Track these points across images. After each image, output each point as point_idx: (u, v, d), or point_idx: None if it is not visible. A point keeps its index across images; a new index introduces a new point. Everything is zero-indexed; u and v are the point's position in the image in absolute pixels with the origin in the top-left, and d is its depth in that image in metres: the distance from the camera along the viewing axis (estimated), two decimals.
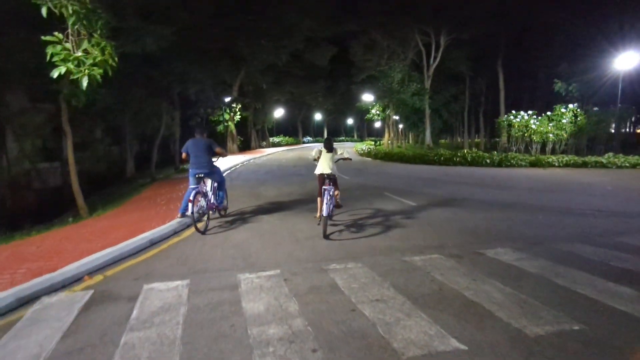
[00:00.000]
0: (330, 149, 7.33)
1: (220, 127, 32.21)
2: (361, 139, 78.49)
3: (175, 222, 7.14)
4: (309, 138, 67.61)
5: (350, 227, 7.14)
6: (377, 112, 33.80)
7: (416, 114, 35.68)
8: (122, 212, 8.67)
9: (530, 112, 25.42)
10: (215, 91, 25.53)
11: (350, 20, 37.86)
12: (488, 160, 19.88)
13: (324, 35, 41.82)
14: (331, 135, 72.88)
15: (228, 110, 32.03)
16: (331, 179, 7.10)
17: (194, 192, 6.79)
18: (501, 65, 35.62)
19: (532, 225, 7.21)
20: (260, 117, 42.56)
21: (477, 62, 39.15)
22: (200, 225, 7.10)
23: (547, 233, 6.60)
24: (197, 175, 7.25)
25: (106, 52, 5.98)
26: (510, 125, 25.92)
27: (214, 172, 7.62)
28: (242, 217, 8.28)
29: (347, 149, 46.01)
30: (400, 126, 44.81)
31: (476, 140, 54.31)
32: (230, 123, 32.89)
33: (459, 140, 59.22)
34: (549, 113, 24.92)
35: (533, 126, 24.30)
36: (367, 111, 41.34)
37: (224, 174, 9.08)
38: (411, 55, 36.00)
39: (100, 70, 6.09)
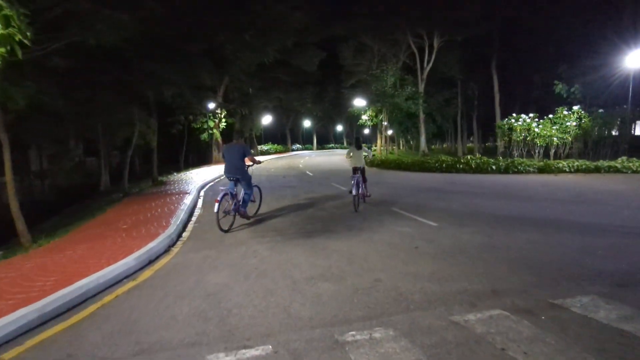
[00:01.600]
0: (359, 147, 10.23)
1: (204, 136, 30.40)
2: (350, 146, 77.10)
3: (132, 258, 5.41)
4: (298, 145, 65.96)
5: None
6: (369, 117, 32.26)
7: (410, 119, 34.34)
8: (67, 243, 6.87)
9: (531, 114, 24.16)
10: (197, 96, 23.80)
11: (339, 23, 36.58)
12: (494, 167, 18.45)
13: (313, 39, 40.51)
14: (322, 141, 71.38)
15: (213, 118, 30.26)
16: (361, 169, 9.97)
17: (222, 193, 7.47)
18: (495, 68, 34.53)
19: (592, 252, 5.62)
20: (247, 124, 40.82)
21: (471, 65, 38.14)
22: (225, 224, 7.56)
23: (622, 265, 5.01)
24: (230, 179, 7.90)
25: (13, 24, 4.27)
26: (511, 129, 24.61)
27: (244, 178, 7.95)
28: (221, 246, 6.58)
29: (336, 155, 44.87)
30: (390, 132, 43.58)
31: (468, 145, 53.38)
32: (215, 131, 31.12)
33: (446, 146, 58.24)
34: (550, 116, 23.67)
35: (536, 129, 23.01)
36: (359, 117, 39.99)
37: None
38: (403, 59, 34.74)
39: (2, 49, 4.35)
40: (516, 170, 18.19)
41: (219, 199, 7.22)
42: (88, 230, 7.95)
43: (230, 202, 7.66)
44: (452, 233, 6.93)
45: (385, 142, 33.40)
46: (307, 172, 20.99)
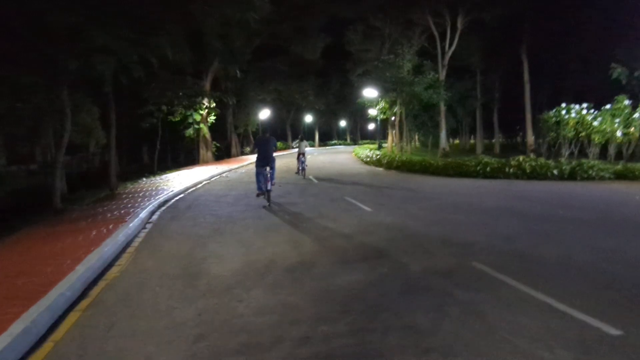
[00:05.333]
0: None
1: (189, 131, 25.91)
2: (354, 142, 72.71)
3: None
4: (306, 143, 61.36)
5: None
6: (382, 109, 27.74)
7: (427, 111, 29.86)
8: None
9: (584, 105, 19.73)
10: (175, 83, 19.43)
11: (345, 2, 32.15)
12: (555, 172, 14.03)
13: (315, 23, 36.04)
14: (324, 137, 67.18)
15: (200, 110, 25.79)
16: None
17: (261, 175, 9.88)
18: (526, 53, 30.00)
19: None
20: (242, 118, 36.35)
21: (493, 51, 33.68)
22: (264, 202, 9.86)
23: None
24: (263, 165, 9.97)
25: None
26: (558, 122, 20.17)
27: (273, 161, 10.19)
28: None
29: (342, 153, 39.97)
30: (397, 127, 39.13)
31: (485, 142, 48.64)
32: (202, 126, 26.65)
33: (458, 142, 53.51)
34: (607, 107, 19.22)
35: (595, 123, 18.60)
36: (366, 109, 35.57)
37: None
38: (420, 42, 30.20)
39: None
40: (586, 176, 13.77)
41: (262, 180, 9.87)
42: None
43: (265, 183, 9.83)
44: None
45: (400, 138, 28.89)
46: (311, 177, 16.56)
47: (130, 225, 7.23)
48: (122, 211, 8.73)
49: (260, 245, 6.37)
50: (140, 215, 8.17)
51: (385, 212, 8.84)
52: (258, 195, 10.07)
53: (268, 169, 9.94)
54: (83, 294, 4.40)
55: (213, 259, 5.69)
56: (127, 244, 6.52)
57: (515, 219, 7.86)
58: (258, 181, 9.93)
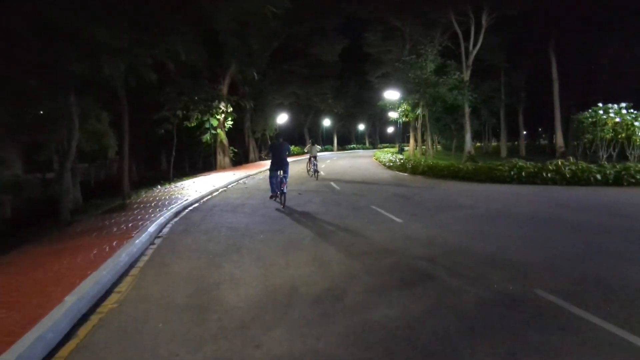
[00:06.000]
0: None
1: (206, 137, 25.41)
2: (373, 145, 71.66)
3: None
4: (317, 147, 60.60)
5: None
6: (404, 112, 26.70)
7: (450, 114, 28.74)
8: None
9: (623, 104, 18.41)
10: (191, 87, 18.84)
11: (364, 2, 31.33)
12: (598, 176, 12.86)
13: (333, 24, 35.34)
14: (342, 141, 66.35)
15: (217, 115, 25.27)
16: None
17: (274, 178, 10.40)
18: (554, 49, 28.61)
19: None
20: (259, 123, 35.81)
21: (518, 50, 32.37)
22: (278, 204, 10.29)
23: None
24: (277, 169, 10.42)
25: None
26: (594, 123, 18.87)
27: (286, 166, 10.58)
28: None
29: (362, 158, 38.90)
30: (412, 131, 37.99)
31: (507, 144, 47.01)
32: (220, 131, 26.13)
33: (479, 145, 51.79)
34: None
35: (636, 123, 17.28)
36: (385, 112, 34.56)
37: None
38: (442, 42, 29.13)
39: None
40: (634, 181, 12.57)
41: (275, 182, 10.42)
42: None
43: (279, 186, 10.38)
44: None
45: (423, 141, 27.80)
46: (332, 183, 15.74)
47: (137, 241, 6.51)
48: (130, 224, 8.05)
49: (281, 266, 5.57)
50: (149, 229, 7.47)
51: (419, 223, 7.94)
52: (271, 197, 10.64)
53: (281, 172, 10.45)
54: (69, 334, 3.65)
55: (227, 284, 4.90)
56: (132, 265, 5.80)
57: (571, 232, 6.86)
58: (271, 184, 10.54)
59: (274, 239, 7.16)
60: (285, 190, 10.35)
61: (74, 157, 9.95)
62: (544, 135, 69.90)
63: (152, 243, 7.11)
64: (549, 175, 13.36)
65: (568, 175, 13.13)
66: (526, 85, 36.40)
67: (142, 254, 6.42)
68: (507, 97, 36.34)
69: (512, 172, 14.02)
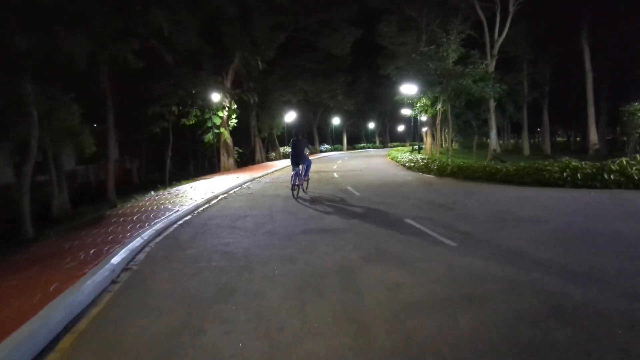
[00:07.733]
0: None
1: (209, 136, 23.43)
2: (383, 144, 69.41)
3: None
4: (326, 146, 58.45)
5: None
6: (423, 107, 24.44)
7: (472, 109, 26.43)
8: None
9: None
10: (190, 75, 16.79)
11: None
12: None
13: (343, 15, 33.22)
14: (352, 140, 64.35)
15: (220, 112, 23.30)
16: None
17: (294, 172, 11.44)
18: (587, 38, 26.22)
19: None
20: (266, 121, 33.81)
21: (545, 40, 30.05)
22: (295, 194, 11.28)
23: None
24: (295, 164, 11.49)
25: None
26: None
27: (306, 161, 11.76)
28: None
29: (375, 157, 36.52)
30: (424, 128, 35.54)
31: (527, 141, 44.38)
32: (223, 130, 24.16)
33: (497, 143, 49.08)
34: None
35: None
36: (397, 109, 32.35)
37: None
38: (463, 30, 26.85)
39: None
40: None
41: (293, 175, 11.39)
42: None
43: (297, 179, 11.52)
44: None
45: (442, 139, 25.54)
46: (348, 187, 13.64)
47: (87, 283, 4.50)
48: (93, 250, 6.04)
49: (294, 333, 3.51)
50: (113, 260, 5.45)
51: (478, 248, 5.82)
52: (292, 188, 11.66)
53: (300, 167, 11.60)
54: None
55: (214, 329, 2.86)
56: (68, 326, 3.78)
57: None
58: (292, 177, 11.59)
59: (284, 274, 5.10)
60: (300, 183, 11.72)
61: (34, 158, 7.93)
62: (559, 132, 67.09)
63: (114, 281, 5.09)
64: (611, 177, 11.13)
65: (636, 177, 10.88)
66: (552, 78, 33.98)
67: (93, 302, 4.40)
68: (533, 91, 33.92)
69: (564, 174, 11.80)
